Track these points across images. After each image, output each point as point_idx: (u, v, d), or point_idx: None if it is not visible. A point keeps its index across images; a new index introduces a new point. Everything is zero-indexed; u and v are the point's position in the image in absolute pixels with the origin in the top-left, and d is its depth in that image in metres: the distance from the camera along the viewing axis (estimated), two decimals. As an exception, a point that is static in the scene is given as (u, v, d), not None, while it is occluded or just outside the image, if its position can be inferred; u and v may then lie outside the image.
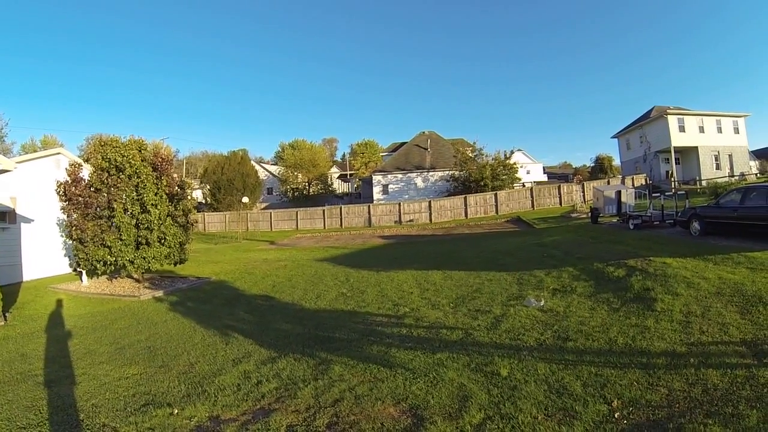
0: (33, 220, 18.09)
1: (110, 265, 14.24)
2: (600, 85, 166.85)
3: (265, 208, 51.15)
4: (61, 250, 18.16)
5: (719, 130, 41.63)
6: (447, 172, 43.21)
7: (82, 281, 16.06)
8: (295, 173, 59.74)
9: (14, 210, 17.68)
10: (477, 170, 39.57)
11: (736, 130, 42.63)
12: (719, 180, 34.50)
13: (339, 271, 15.70)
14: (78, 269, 15.24)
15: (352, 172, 71.52)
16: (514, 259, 14.43)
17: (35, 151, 48.99)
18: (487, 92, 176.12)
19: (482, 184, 38.81)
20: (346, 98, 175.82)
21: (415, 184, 45.25)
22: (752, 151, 49.71)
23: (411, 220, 37.13)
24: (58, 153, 20.68)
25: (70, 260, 15.97)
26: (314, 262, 18.50)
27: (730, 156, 41.27)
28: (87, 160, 15.76)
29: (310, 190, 60.63)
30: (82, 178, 14.78)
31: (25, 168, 17.90)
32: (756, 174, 40.92)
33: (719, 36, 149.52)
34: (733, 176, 37.02)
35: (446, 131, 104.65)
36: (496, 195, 37.01)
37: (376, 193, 45.61)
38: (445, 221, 35.81)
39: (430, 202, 37.92)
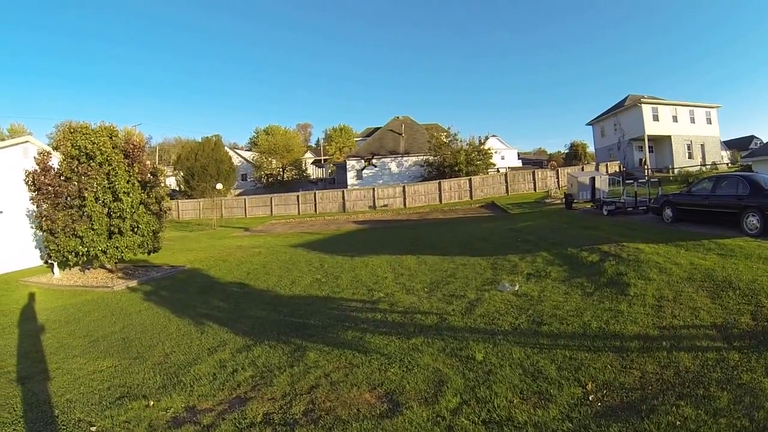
0: (1, 212, 17.46)
1: (82, 255, 13.84)
2: (577, 72, 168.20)
3: (239, 195, 50.57)
4: (32, 242, 17.57)
5: (692, 120, 42.42)
6: (421, 157, 42.86)
7: (53, 273, 15.61)
8: (270, 159, 59.06)
9: (-20, 202, 17.01)
10: (451, 155, 39.28)
11: (709, 121, 43.50)
12: (691, 168, 35.29)
13: (313, 257, 15.62)
14: (49, 261, 14.79)
15: (327, 157, 71.13)
16: (489, 244, 14.55)
17: (2, 139, 47.15)
18: (463, 77, 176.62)
19: (456, 169, 38.61)
20: (320, 83, 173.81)
21: (389, 169, 44.77)
22: (724, 142, 50.96)
23: (385, 205, 36.91)
24: (26, 141, 19.91)
25: (41, 252, 15.47)
26: (289, 249, 18.37)
27: (702, 145, 42.14)
28: (56, 148, 15.23)
29: (285, 176, 59.78)
30: (51, 167, 14.27)
31: (-8, 158, 17.20)
32: (727, 164, 41.99)
33: (699, 32, 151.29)
34: (704, 165, 37.87)
35: (421, 117, 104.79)
36: (470, 180, 36.94)
37: (351, 178, 45.01)
38: (420, 206, 35.71)
39: (404, 187, 37.62)
